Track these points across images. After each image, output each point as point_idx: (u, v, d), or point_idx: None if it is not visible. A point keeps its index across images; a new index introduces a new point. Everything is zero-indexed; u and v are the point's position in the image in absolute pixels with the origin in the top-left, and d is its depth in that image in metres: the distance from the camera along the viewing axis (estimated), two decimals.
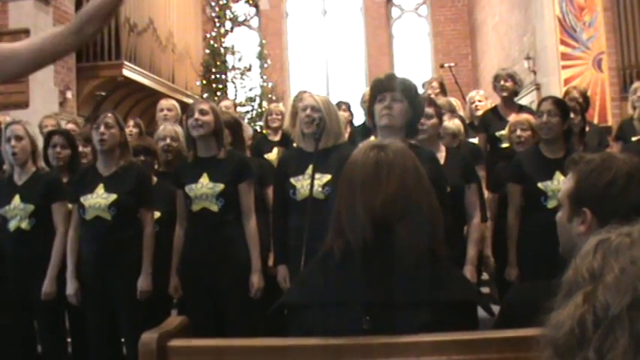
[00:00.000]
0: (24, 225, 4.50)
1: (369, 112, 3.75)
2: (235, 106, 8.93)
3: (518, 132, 5.19)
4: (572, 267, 1.17)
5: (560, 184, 4.37)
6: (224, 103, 7.51)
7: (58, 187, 4.60)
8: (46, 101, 9.96)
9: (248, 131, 5.94)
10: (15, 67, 2.27)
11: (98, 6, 2.26)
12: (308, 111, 4.27)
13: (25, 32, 9.80)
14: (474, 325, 2.03)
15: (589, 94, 7.15)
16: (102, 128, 4.39)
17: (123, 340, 4.44)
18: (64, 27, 2.29)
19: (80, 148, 5.18)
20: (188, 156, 4.55)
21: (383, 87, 3.58)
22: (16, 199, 4.51)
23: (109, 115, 4.49)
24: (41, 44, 2.31)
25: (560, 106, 4.69)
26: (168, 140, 5.15)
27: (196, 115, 4.35)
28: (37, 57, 2.30)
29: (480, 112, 6.96)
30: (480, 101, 7.20)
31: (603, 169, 1.82)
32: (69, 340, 4.77)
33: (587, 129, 5.95)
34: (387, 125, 3.50)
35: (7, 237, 4.54)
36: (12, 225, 4.51)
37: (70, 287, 4.40)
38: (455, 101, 7.58)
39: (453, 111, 5.97)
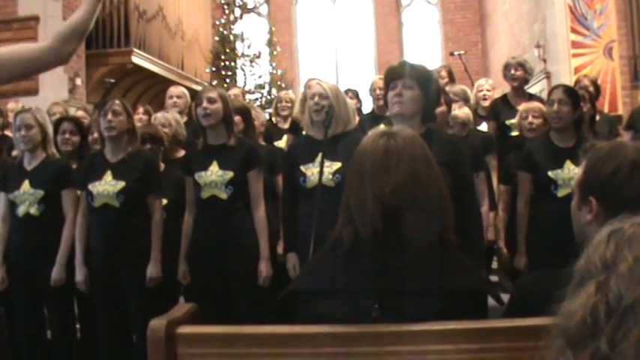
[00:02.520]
0: (33, 210, 4.50)
1: (385, 101, 3.73)
2: (244, 93, 8.93)
3: (530, 119, 5.17)
4: (585, 256, 1.16)
5: (570, 172, 4.36)
6: (232, 92, 7.50)
7: (67, 174, 4.60)
8: (56, 88, 9.99)
9: (262, 117, 5.93)
10: (7, 72, 2.39)
11: (76, 24, 2.38)
12: (316, 99, 4.27)
13: (35, 19, 9.83)
14: (483, 314, 2.02)
15: (599, 82, 7.11)
16: (109, 115, 4.39)
17: (131, 326, 4.45)
18: (48, 42, 2.38)
19: (95, 135, 5.19)
20: (197, 143, 4.55)
21: (394, 74, 3.55)
22: (26, 185, 4.51)
23: (117, 102, 4.49)
24: (28, 54, 2.40)
25: (571, 94, 4.66)
26: (159, 127, 5.20)
27: (205, 103, 4.34)
28: (23, 67, 2.39)
29: (487, 102, 6.93)
30: (488, 90, 7.17)
31: (609, 157, 1.80)
32: (78, 326, 4.79)
33: (597, 118, 5.92)
34: (399, 113, 3.47)
35: (16, 222, 4.55)
36: (21, 210, 4.52)
37: (79, 274, 4.41)
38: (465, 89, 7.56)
39: (467, 100, 5.94)
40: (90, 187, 4.39)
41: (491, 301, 2.05)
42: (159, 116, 5.47)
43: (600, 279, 1.09)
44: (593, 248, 1.15)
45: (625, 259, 1.08)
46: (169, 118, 5.35)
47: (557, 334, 1.13)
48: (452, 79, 7.56)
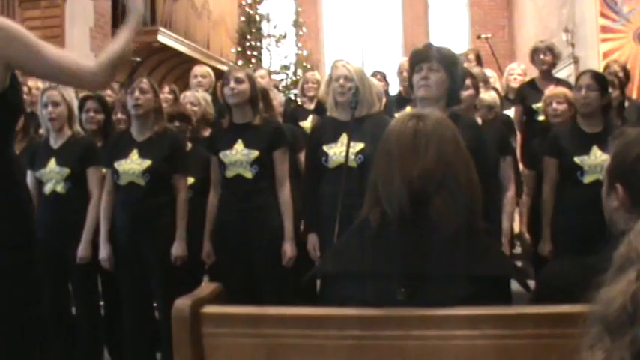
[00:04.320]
0: (59, 188, 4.53)
1: (410, 83, 3.72)
2: (270, 74, 8.93)
3: (554, 105, 5.12)
4: (626, 243, 1.15)
5: (597, 159, 4.33)
6: (258, 72, 7.49)
7: (93, 152, 4.61)
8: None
9: (279, 98, 5.93)
10: (32, 64, 2.39)
11: (120, 54, 2.40)
12: (341, 80, 4.28)
13: None
14: (508, 300, 2.01)
15: (629, 68, 7.03)
16: (136, 93, 4.40)
17: (155, 304, 4.48)
18: (95, 65, 2.42)
19: (119, 115, 5.21)
20: (223, 122, 4.56)
21: (420, 57, 3.53)
22: (52, 163, 4.53)
23: (144, 80, 4.51)
24: (61, 63, 2.41)
25: (599, 80, 4.62)
26: (188, 106, 5.24)
27: (232, 83, 4.36)
28: (51, 71, 2.41)
29: (516, 85, 6.88)
30: (519, 75, 7.12)
31: (635, 143, 1.78)
32: (102, 303, 4.83)
33: (626, 104, 5.86)
34: (425, 96, 3.46)
35: (42, 200, 4.57)
36: (48, 188, 4.54)
37: (103, 251, 4.44)
38: (492, 73, 7.51)
39: (486, 82, 5.91)
40: (116, 165, 4.41)
41: (515, 286, 2.04)
42: (188, 94, 5.50)
43: None
44: (635, 235, 1.13)
45: None
46: (199, 97, 5.38)
47: (595, 321, 1.11)
48: (479, 62, 7.53)
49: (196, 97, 5.37)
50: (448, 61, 3.51)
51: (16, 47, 2.33)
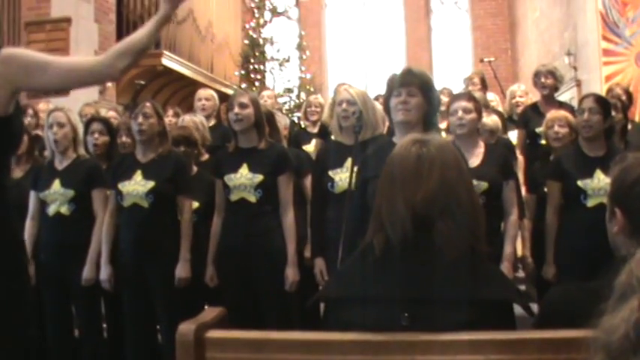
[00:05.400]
0: (63, 210, 4.54)
1: (385, 108, 3.73)
2: (276, 96, 8.95)
3: (556, 128, 5.13)
4: (627, 271, 1.15)
5: (600, 182, 4.34)
6: (265, 93, 7.56)
7: (98, 174, 4.64)
8: (86, 89, 10.05)
9: (284, 121, 5.94)
10: (42, 79, 2.40)
11: (133, 42, 2.41)
12: (344, 105, 4.30)
13: (67, 21, 9.93)
14: (511, 325, 2.01)
15: (631, 90, 7.04)
16: (140, 118, 4.43)
17: (158, 327, 4.47)
18: (102, 56, 2.43)
19: (123, 139, 5.23)
20: (228, 146, 4.57)
21: (399, 82, 3.53)
22: (56, 184, 4.55)
23: (147, 104, 4.53)
24: (74, 65, 2.44)
25: (602, 103, 4.63)
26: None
27: (236, 109, 4.37)
28: (67, 76, 2.42)
29: (520, 109, 6.91)
30: (520, 97, 7.14)
31: (633, 167, 1.78)
32: (104, 325, 4.83)
33: (629, 127, 5.87)
34: (404, 121, 3.47)
35: (46, 221, 4.59)
36: (51, 209, 4.56)
37: (104, 272, 4.45)
38: (494, 96, 7.53)
39: (487, 106, 5.93)
40: (119, 186, 4.42)
41: (519, 310, 2.04)
42: (187, 119, 5.50)
43: None
44: (636, 263, 1.14)
45: None
46: (197, 122, 5.38)
47: (598, 349, 1.12)
48: (484, 85, 7.55)
49: (194, 122, 5.37)
50: (426, 87, 3.52)
51: (29, 70, 2.37)
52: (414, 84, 3.45)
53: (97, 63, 2.46)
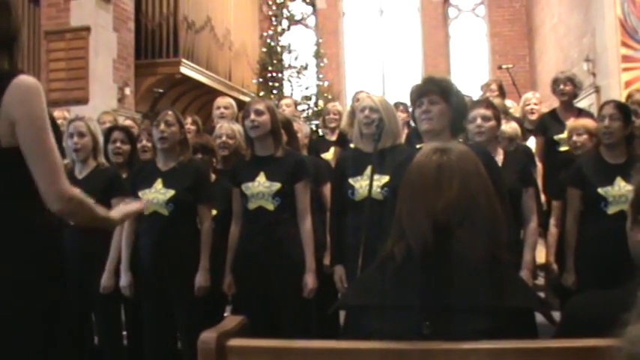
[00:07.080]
0: None
1: (413, 118, 3.73)
2: (296, 104, 8.96)
3: (574, 137, 5.16)
4: None
5: (620, 189, 4.32)
6: (284, 102, 7.57)
7: (118, 182, 4.64)
8: (105, 97, 10.16)
9: (305, 130, 5.95)
10: (24, 139, 2.40)
11: (93, 214, 2.71)
12: (366, 112, 4.29)
13: (86, 30, 10.02)
14: (533, 334, 2.00)
15: None
16: (162, 126, 4.43)
17: (178, 334, 4.48)
18: (70, 191, 2.54)
19: (144, 142, 5.26)
20: (246, 154, 4.57)
21: (420, 92, 3.52)
22: None
23: (169, 112, 4.54)
24: (52, 160, 2.49)
25: (623, 109, 4.62)
26: (224, 138, 5.28)
27: (252, 116, 4.37)
28: (37, 156, 2.44)
29: (534, 116, 6.88)
30: (535, 104, 7.12)
31: None
32: (124, 333, 4.84)
33: None
34: (428, 130, 3.45)
35: (67, 230, 4.60)
36: None
37: (124, 279, 4.47)
38: (512, 103, 7.51)
39: (506, 113, 5.91)
40: (140, 194, 4.43)
41: (540, 318, 2.03)
42: (225, 126, 5.47)
43: None
44: None
45: None
46: (235, 130, 5.37)
47: (622, 359, 1.11)
48: (502, 92, 7.53)
49: (233, 130, 5.36)
50: (447, 92, 3.50)
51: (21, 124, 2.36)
52: (434, 92, 3.44)
53: (58, 182, 2.46)
